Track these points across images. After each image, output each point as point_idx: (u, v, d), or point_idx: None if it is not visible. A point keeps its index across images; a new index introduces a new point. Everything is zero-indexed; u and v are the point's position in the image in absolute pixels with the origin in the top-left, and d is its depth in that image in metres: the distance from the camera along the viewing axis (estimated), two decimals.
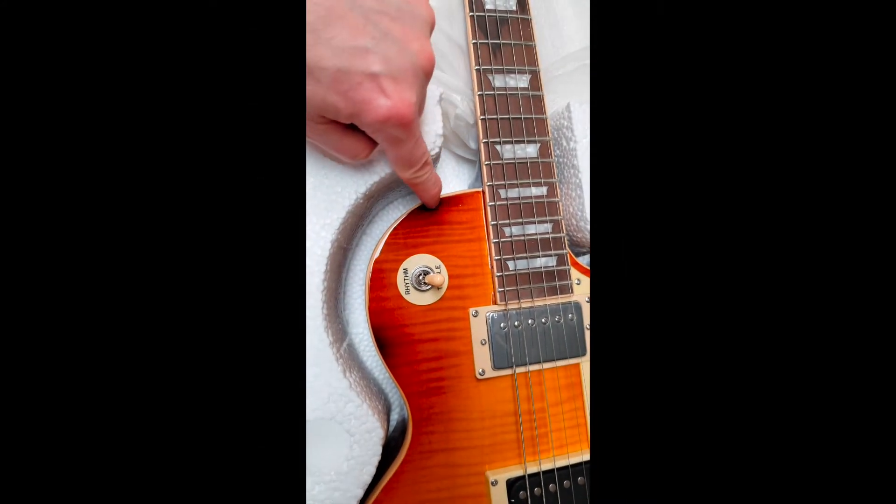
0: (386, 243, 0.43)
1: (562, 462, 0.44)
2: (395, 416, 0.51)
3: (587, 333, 0.47)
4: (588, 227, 0.48)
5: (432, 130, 0.43)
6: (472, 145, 0.50)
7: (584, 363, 0.47)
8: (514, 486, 0.43)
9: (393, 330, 0.43)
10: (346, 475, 0.38)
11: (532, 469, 0.44)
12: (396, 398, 0.52)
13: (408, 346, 0.43)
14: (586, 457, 0.45)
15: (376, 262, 0.43)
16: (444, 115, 0.46)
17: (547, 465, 0.44)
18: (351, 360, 0.44)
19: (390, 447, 0.46)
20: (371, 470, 0.39)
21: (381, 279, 0.43)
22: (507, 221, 0.45)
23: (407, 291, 0.43)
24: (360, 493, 0.39)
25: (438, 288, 0.44)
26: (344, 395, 0.39)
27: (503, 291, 0.45)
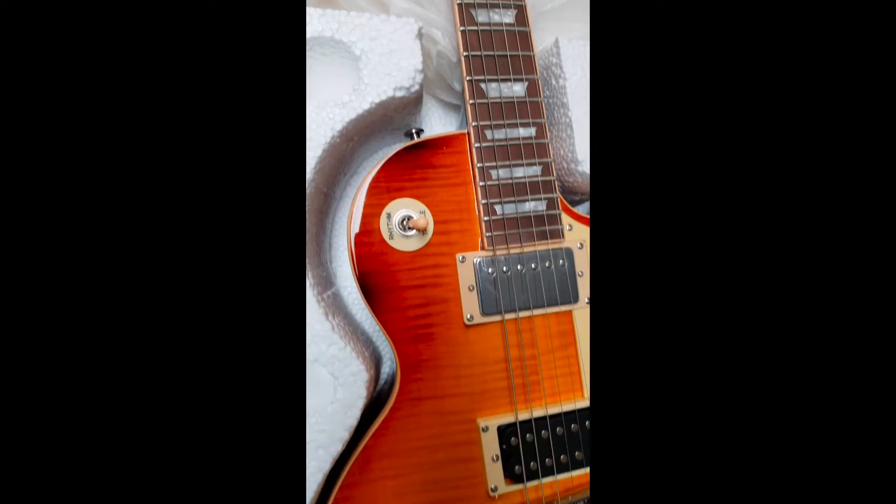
0: (368, 187, 0.42)
1: (554, 410, 0.44)
2: (385, 370, 0.50)
3: (579, 280, 0.46)
4: (580, 169, 0.46)
5: (411, 65, 0.41)
6: (458, 87, 0.48)
7: (577, 311, 0.46)
8: (505, 432, 0.42)
9: (378, 276, 0.42)
10: (330, 418, 0.37)
11: (524, 416, 0.43)
12: (388, 352, 0.51)
13: (393, 292, 0.42)
14: (580, 405, 0.44)
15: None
16: (426, 54, 0.44)
17: (539, 413, 0.43)
18: (335, 306, 0.43)
19: (382, 398, 0.45)
20: (356, 413, 0.38)
21: (363, 224, 0.41)
22: (494, 164, 0.43)
23: (391, 237, 0.42)
24: (346, 435, 0.38)
25: (423, 232, 0.42)
26: (326, 338, 0.38)
27: (491, 236, 0.43)
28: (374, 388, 0.42)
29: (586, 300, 0.46)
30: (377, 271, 0.42)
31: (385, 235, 0.42)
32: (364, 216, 0.42)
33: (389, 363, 0.51)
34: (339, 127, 0.39)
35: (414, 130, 0.44)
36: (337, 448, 0.37)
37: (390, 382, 0.50)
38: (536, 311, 0.44)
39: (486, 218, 0.43)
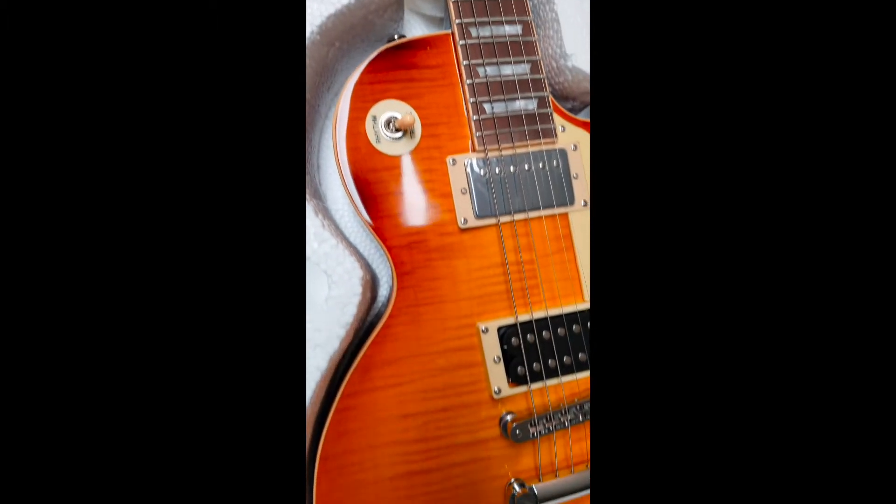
0: (353, 90, 0.40)
1: (555, 311, 0.43)
2: (383, 292, 0.49)
3: (574, 182, 0.45)
4: (569, 64, 0.45)
5: None
6: None
7: (574, 213, 0.45)
8: (505, 333, 0.41)
9: (367, 183, 0.40)
10: (325, 315, 0.36)
11: (524, 317, 0.42)
12: (384, 274, 0.50)
13: (384, 198, 0.41)
14: (580, 307, 0.44)
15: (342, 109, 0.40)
16: None
17: (539, 314, 0.42)
18: (325, 212, 0.42)
19: (380, 314, 0.44)
20: (352, 310, 0.37)
21: (349, 129, 0.40)
22: (481, 61, 0.42)
23: (378, 140, 0.41)
24: (342, 332, 0.37)
25: (411, 134, 0.41)
26: (317, 235, 0.37)
27: (481, 136, 0.42)
28: (371, 293, 0.41)
29: (583, 202, 0.45)
30: (366, 178, 0.40)
31: (372, 139, 0.41)
32: (350, 120, 0.40)
33: (385, 285, 0.50)
34: (317, 22, 0.38)
35: (396, 35, 0.43)
36: (334, 346, 0.36)
37: (386, 303, 0.49)
38: (532, 214, 0.43)
39: (475, 117, 0.42)
